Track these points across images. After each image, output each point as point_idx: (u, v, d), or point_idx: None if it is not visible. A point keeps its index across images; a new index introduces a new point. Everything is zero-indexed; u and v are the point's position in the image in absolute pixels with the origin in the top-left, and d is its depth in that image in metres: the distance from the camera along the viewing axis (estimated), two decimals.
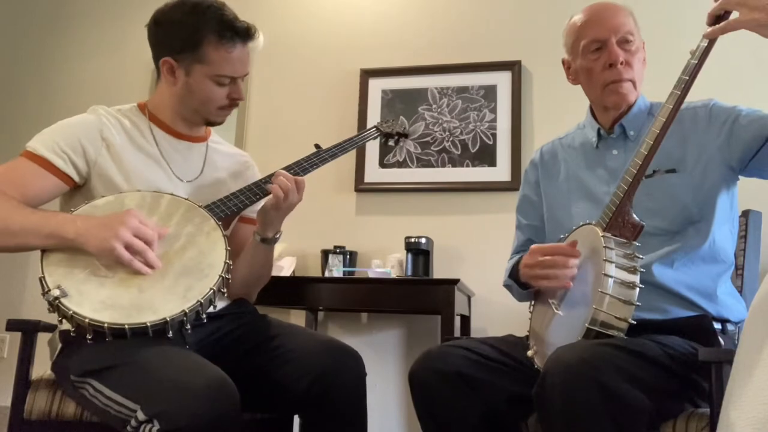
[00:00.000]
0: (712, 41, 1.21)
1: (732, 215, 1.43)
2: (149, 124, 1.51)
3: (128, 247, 1.24)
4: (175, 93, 1.49)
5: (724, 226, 1.40)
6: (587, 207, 1.47)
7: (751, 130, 1.33)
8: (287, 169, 1.54)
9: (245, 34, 1.46)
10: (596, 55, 1.44)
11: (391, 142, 1.90)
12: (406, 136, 1.89)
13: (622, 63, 1.42)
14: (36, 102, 3.28)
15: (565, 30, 1.54)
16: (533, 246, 1.37)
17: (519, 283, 1.49)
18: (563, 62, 1.57)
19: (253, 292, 1.64)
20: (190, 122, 1.55)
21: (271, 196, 1.47)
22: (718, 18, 1.19)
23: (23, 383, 1.40)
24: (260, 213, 1.52)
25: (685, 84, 1.23)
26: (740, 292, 1.52)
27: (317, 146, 1.65)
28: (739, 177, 1.41)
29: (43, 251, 1.26)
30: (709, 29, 1.19)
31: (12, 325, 1.41)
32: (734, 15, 1.15)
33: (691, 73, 1.23)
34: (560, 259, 1.30)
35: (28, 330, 1.42)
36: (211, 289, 1.27)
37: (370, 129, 1.83)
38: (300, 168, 1.57)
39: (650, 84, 1.56)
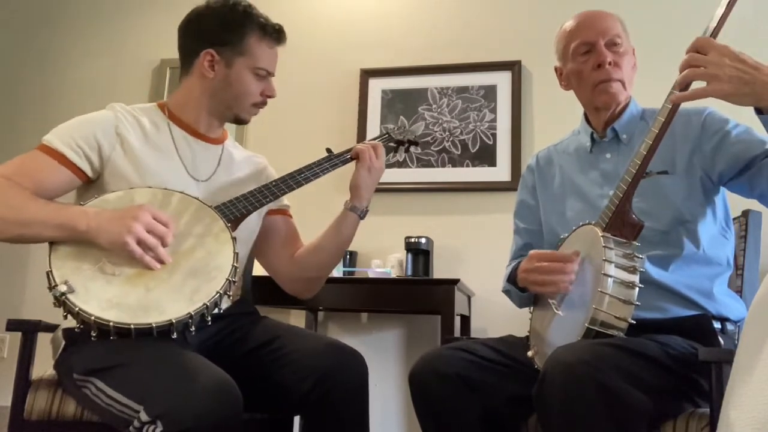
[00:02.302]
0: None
1: (718, 220, 1.43)
2: (168, 122, 1.51)
3: (140, 243, 1.24)
4: (208, 87, 1.51)
5: (713, 229, 1.41)
6: (581, 209, 1.48)
7: (735, 151, 1.35)
8: (298, 173, 1.56)
9: (282, 36, 1.58)
10: (585, 58, 1.47)
11: (400, 152, 1.88)
12: (416, 144, 1.87)
13: (610, 63, 1.44)
14: (36, 102, 3.28)
15: (556, 37, 1.57)
16: (532, 252, 1.37)
17: (517, 287, 1.49)
18: (556, 69, 1.59)
19: (324, 275, 1.67)
20: (218, 118, 1.56)
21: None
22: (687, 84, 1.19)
23: (23, 383, 1.40)
24: (353, 182, 1.60)
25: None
26: (740, 292, 1.52)
27: (329, 150, 1.65)
28: (720, 188, 1.43)
29: (52, 244, 1.26)
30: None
31: (12, 325, 1.41)
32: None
33: None
34: (558, 265, 1.30)
35: (28, 330, 1.42)
36: (217, 292, 1.26)
37: (383, 135, 1.80)
38: (311, 174, 1.57)
39: (642, 91, 1.57)
